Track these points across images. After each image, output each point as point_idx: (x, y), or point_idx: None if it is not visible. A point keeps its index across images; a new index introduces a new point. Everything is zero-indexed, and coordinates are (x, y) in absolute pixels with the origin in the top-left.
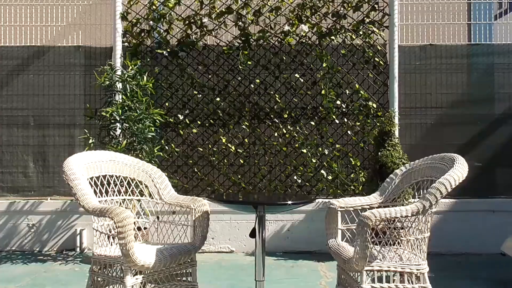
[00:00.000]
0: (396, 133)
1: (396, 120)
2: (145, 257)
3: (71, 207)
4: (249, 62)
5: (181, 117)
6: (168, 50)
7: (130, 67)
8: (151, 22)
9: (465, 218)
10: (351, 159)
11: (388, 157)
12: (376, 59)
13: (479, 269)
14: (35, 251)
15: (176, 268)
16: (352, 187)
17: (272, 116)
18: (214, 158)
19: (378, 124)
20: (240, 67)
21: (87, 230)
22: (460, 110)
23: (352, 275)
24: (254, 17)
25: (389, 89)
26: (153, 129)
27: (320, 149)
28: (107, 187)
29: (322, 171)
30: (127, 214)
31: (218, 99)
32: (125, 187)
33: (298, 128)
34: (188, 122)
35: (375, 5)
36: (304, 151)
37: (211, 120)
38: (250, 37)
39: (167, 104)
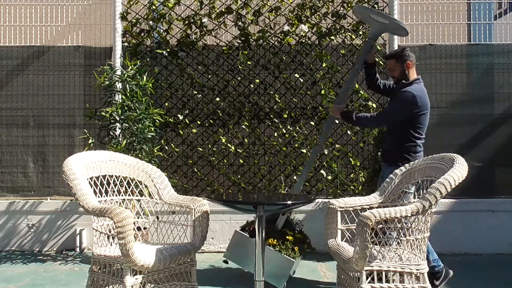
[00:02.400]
0: None
1: None
2: (145, 257)
3: (71, 207)
4: (248, 62)
5: (180, 117)
6: (168, 50)
7: (130, 67)
8: (150, 22)
9: (465, 218)
10: (350, 159)
11: None
12: (376, 59)
13: (479, 269)
14: (35, 251)
15: (175, 268)
16: (351, 187)
17: (271, 116)
18: (213, 158)
19: None
20: (239, 67)
21: (87, 230)
22: (460, 110)
23: (352, 275)
24: (253, 17)
25: None
26: (152, 129)
27: None
28: (107, 187)
29: (322, 171)
30: (127, 214)
31: (217, 99)
32: (125, 187)
33: (297, 128)
34: (187, 122)
35: (375, 5)
36: (304, 151)
37: (210, 120)
38: (249, 37)
39: (166, 104)
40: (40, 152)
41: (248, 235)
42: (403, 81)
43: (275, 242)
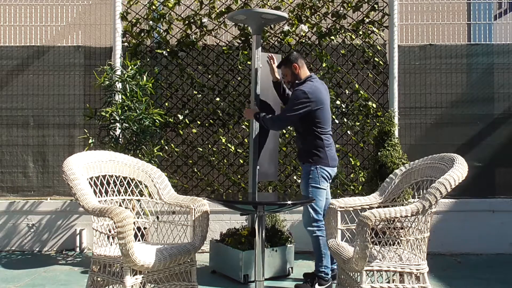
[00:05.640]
0: (396, 133)
1: (396, 120)
2: (145, 257)
3: (70, 207)
4: (248, 62)
5: (180, 117)
6: (168, 50)
7: (130, 67)
8: (150, 22)
9: (465, 218)
10: (350, 159)
11: (387, 157)
12: (376, 59)
13: (479, 269)
14: (34, 251)
15: (175, 268)
16: (352, 187)
17: None
18: (213, 158)
19: (377, 124)
20: (239, 67)
21: (87, 230)
22: (460, 110)
23: (352, 275)
24: None
25: (388, 89)
26: (152, 129)
27: None
28: (107, 187)
29: None
30: (127, 214)
31: (217, 99)
32: (125, 187)
33: None
34: (187, 122)
35: (375, 5)
36: None
37: (210, 120)
38: (249, 37)
39: (166, 104)
40: (40, 152)
41: (222, 243)
42: (296, 81)
43: (230, 241)
